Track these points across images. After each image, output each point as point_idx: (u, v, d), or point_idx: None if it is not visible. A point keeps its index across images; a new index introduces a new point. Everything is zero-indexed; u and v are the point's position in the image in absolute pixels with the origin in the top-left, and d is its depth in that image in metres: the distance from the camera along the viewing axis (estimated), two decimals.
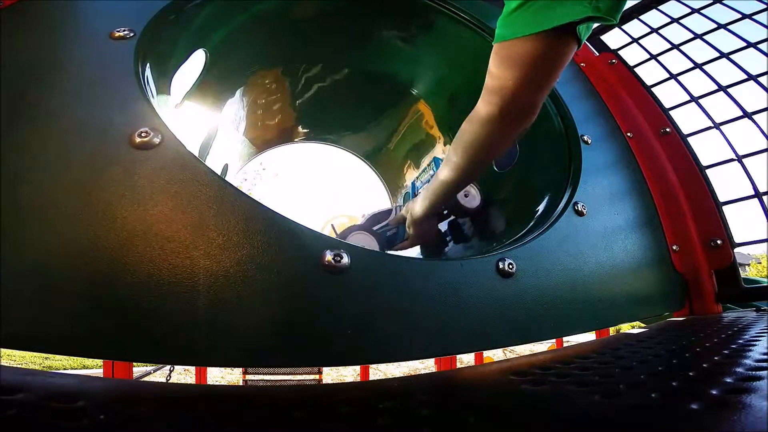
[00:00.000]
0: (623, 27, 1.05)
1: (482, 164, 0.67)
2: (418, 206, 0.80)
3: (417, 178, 1.17)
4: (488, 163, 0.70)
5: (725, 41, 0.90)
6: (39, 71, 0.47)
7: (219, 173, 0.44)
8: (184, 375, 4.00)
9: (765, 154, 0.78)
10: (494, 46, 0.53)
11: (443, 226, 1.00)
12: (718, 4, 0.92)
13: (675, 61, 0.97)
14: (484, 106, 0.58)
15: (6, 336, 0.33)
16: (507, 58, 0.51)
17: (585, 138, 0.78)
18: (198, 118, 0.93)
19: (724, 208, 0.83)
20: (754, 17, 0.86)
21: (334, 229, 0.92)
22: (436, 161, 1.04)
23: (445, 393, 0.37)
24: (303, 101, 1.15)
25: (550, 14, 0.45)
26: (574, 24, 0.46)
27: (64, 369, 4.67)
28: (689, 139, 0.90)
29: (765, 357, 0.38)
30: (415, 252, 1.00)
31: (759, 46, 0.84)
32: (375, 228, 0.89)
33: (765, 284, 0.91)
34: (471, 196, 0.91)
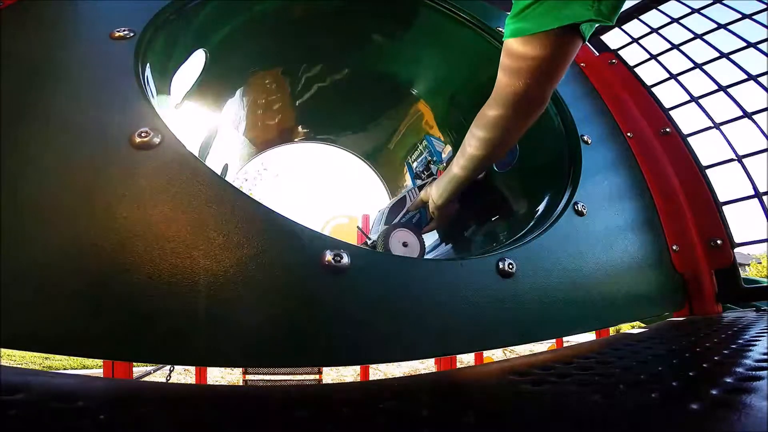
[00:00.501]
0: (623, 27, 1.05)
1: (495, 156, 0.71)
2: (437, 196, 0.83)
3: (413, 159, 1.17)
4: (502, 155, 0.75)
5: (725, 41, 0.90)
6: (39, 71, 0.47)
7: (219, 173, 0.44)
8: (184, 375, 4.00)
9: (765, 154, 0.78)
10: (504, 43, 0.56)
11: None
12: (718, 4, 0.92)
13: (675, 61, 0.98)
14: (497, 100, 0.61)
15: (6, 336, 0.33)
16: (517, 55, 0.55)
17: (585, 138, 0.78)
18: (198, 118, 0.93)
19: (724, 208, 0.83)
20: (754, 17, 0.86)
21: (366, 235, 0.91)
22: (428, 139, 1.03)
23: (445, 393, 0.37)
24: (303, 101, 1.15)
25: (555, 14, 0.49)
26: (578, 24, 0.50)
27: (64, 369, 4.67)
28: (689, 139, 0.90)
29: (765, 357, 0.38)
30: (432, 236, 0.99)
31: (759, 46, 0.84)
32: (399, 219, 0.89)
33: (765, 284, 0.91)
34: None
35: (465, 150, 0.71)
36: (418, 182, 0.96)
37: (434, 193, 0.84)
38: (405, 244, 0.84)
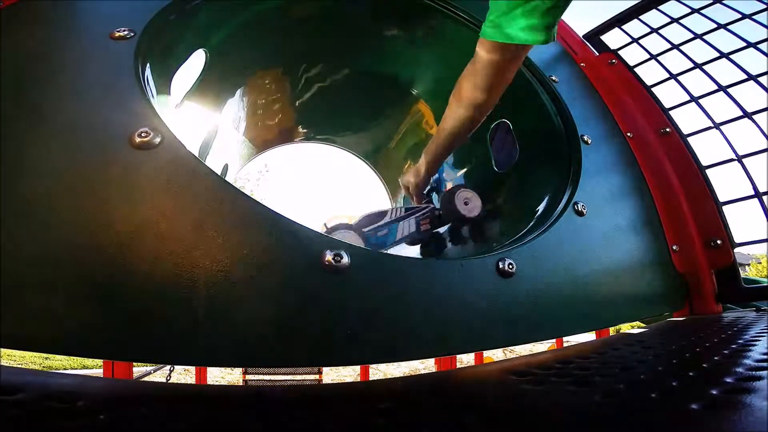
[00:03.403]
0: (623, 27, 1.05)
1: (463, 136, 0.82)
2: (421, 168, 0.90)
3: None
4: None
5: (725, 41, 0.90)
6: (39, 71, 0.47)
7: (219, 173, 0.44)
8: (184, 375, 4.00)
9: (765, 154, 0.78)
10: (480, 39, 0.68)
11: (443, 229, 1.00)
12: (718, 4, 0.92)
13: (675, 61, 0.98)
14: (470, 90, 0.73)
15: (6, 336, 0.33)
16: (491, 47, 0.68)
17: (585, 138, 0.78)
18: (198, 118, 0.93)
19: (724, 208, 0.83)
20: (754, 17, 0.86)
21: (325, 225, 0.92)
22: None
23: (445, 393, 0.37)
24: (303, 101, 1.15)
25: (513, 34, 0.62)
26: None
27: (64, 369, 4.67)
28: (689, 139, 0.90)
29: (765, 357, 0.38)
30: (414, 252, 1.00)
31: (759, 46, 0.84)
32: (366, 229, 0.89)
33: (765, 284, 0.91)
34: (472, 204, 0.91)
35: (443, 126, 0.81)
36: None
37: (418, 170, 0.91)
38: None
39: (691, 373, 0.34)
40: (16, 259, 0.35)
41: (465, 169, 1.10)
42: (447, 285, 0.48)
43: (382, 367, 4.30)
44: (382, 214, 0.93)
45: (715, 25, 0.91)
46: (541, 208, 0.75)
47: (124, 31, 0.52)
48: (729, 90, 0.86)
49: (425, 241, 0.99)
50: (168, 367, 2.01)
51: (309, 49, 1.02)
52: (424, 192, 0.96)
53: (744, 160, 0.81)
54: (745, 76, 0.84)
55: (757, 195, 0.78)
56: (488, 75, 0.69)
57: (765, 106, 0.79)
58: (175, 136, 0.43)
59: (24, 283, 0.34)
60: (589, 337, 1.12)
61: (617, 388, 0.31)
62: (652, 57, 0.99)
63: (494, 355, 3.23)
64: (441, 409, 0.30)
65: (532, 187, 0.85)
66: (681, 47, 0.96)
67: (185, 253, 0.38)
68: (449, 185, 1.01)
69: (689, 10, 0.95)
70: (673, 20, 0.97)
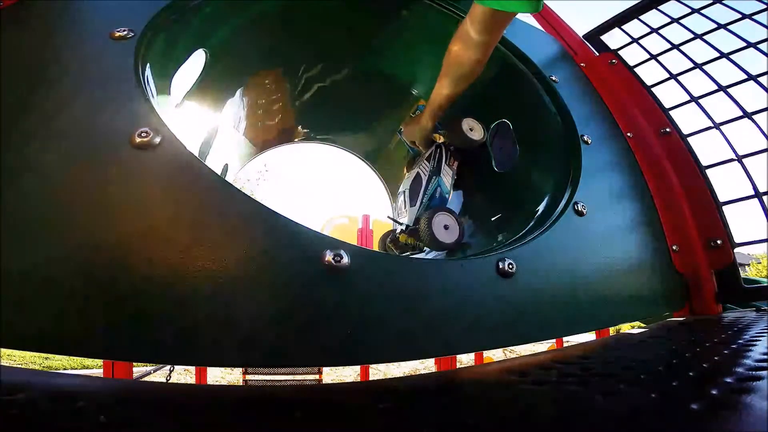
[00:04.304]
0: (623, 27, 1.05)
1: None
2: (425, 117, 0.93)
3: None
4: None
5: (725, 41, 0.90)
6: (39, 71, 0.47)
7: (219, 173, 0.44)
8: (184, 375, 4.00)
9: (765, 154, 0.78)
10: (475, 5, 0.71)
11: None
12: (718, 4, 0.92)
13: (675, 61, 0.98)
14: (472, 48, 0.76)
15: (6, 336, 0.33)
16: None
17: (585, 138, 0.78)
18: (198, 118, 0.93)
19: (724, 208, 0.83)
20: (754, 17, 0.86)
21: (397, 221, 0.92)
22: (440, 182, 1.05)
23: (445, 393, 0.37)
24: (303, 101, 1.15)
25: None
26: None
27: (64, 369, 4.67)
28: (689, 139, 0.89)
29: (765, 357, 0.38)
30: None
31: (759, 46, 0.84)
32: (422, 197, 0.91)
33: (765, 284, 0.91)
34: (475, 130, 0.94)
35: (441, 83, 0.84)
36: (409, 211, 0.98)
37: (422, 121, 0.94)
38: (446, 227, 0.86)
39: (691, 373, 0.34)
40: (16, 259, 0.35)
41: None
42: (447, 285, 0.48)
43: (382, 367, 4.30)
44: (417, 178, 0.94)
45: (715, 25, 0.91)
46: (541, 208, 0.75)
47: (124, 31, 0.52)
48: (729, 90, 0.86)
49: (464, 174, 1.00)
50: (168, 367, 2.01)
51: (309, 49, 1.02)
52: (431, 139, 0.98)
53: (744, 160, 0.81)
54: (745, 76, 0.84)
55: (757, 195, 0.78)
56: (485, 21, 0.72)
57: (765, 106, 0.79)
58: (175, 136, 0.43)
59: (24, 283, 0.34)
60: (589, 337, 1.12)
61: (617, 388, 0.31)
62: (652, 57, 0.99)
63: (494, 355, 3.23)
64: (441, 409, 0.30)
65: (532, 187, 0.85)
66: (681, 47, 0.96)
67: (185, 252, 0.38)
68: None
69: (689, 10, 0.95)
70: (673, 20, 0.97)
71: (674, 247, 0.79)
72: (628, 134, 0.89)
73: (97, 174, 0.40)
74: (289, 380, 2.72)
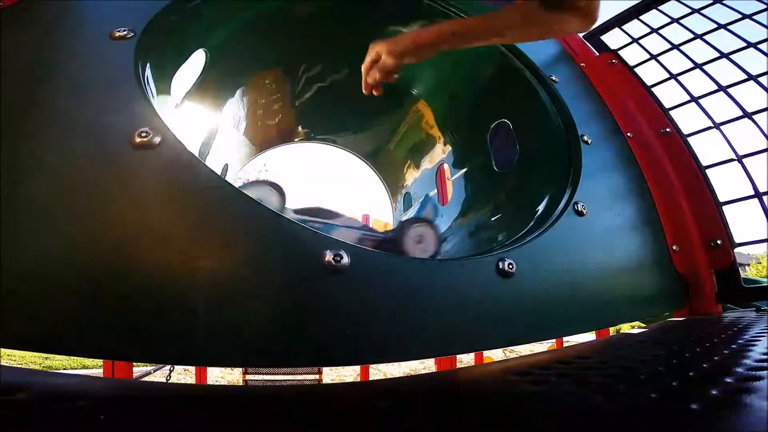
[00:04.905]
0: (623, 27, 1.05)
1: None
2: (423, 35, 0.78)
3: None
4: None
5: (725, 41, 0.90)
6: (39, 71, 0.47)
7: (219, 173, 0.44)
8: (184, 375, 3.99)
9: (765, 154, 0.78)
10: None
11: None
12: (718, 4, 0.92)
13: (675, 61, 0.98)
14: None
15: (6, 336, 0.33)
16: None
17: (585, 138, 0.78)
18: (198, 118, 0.93)
19: (724, 208, 0.83)
20: (754, 17, 0.86)
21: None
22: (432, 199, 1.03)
23: (445, 393, 0.37)
24: (303, 101, 1.16)
25: None
26: None
27: (64, 369, 4.67)
28: (689, 139, 0.89)
29: (765, 357, 0.38)
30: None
31: (759, 46, 0.84)
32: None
33: (765, 284, 0.91)
34: (425, 244, 0.87)
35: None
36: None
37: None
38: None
39: (691, 373, 0.34)
40: (16, 259, 0.35)
41: (465, 169, 1.10)
42: (447, 285, 0.48)
43: (382, 367, 4.29)
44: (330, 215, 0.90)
45: (715, 25, 0.91)
46: (541, 208, 0.75)
47: (124, 31, 0.52)
48: (729, 90, 0.86)
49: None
50: (168, 367, 2.00)
51: (309, 49, 1.02)
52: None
53: (744, 160, 0.81)
54: (745, 76, 0.83)
55: (757, 195, 0.78)
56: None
57: (765, 106, 0.79)
58: (175, 136, 0.43)
59: (24, 283, 0.34)
60: (589, 337, 1.12)
61: (617, 388, 0.31)
62: (652, 57, 0.99)
63: (494, 355, 3.23)
64: (441, 409, 0.30)
65: (532, 187, 0.85)
66: (681, 47, 0.96)
67: (185, 252, 0.38)
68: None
69: (689, 10, 0.95)
70: (673, 20, 0.96)
71: (674, 247, 0.79)
72: (628, 134, 0.89)
73: (97, 174, 0.40)
74: (289, 380, 2.72)
